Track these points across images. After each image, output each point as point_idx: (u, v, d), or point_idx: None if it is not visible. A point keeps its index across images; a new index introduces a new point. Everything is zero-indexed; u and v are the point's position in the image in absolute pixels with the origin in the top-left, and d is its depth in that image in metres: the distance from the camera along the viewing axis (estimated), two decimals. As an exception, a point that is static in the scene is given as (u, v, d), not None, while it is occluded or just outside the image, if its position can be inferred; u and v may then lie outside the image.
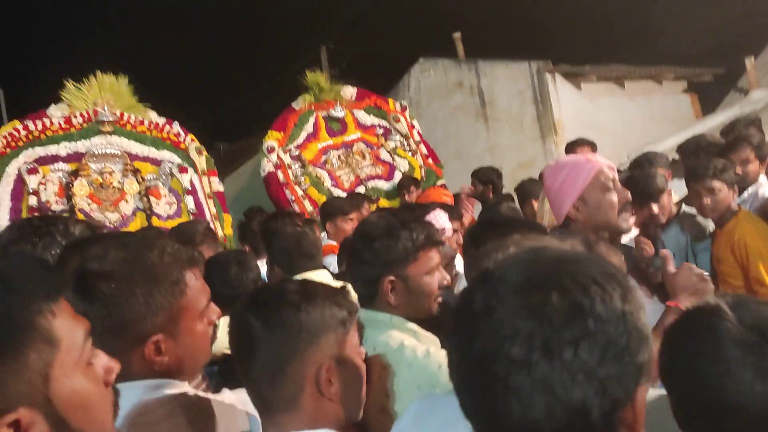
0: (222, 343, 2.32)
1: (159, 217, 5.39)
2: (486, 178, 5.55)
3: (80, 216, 4.91)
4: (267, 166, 6.43)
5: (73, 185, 5.13)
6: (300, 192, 6.41)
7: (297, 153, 6.69)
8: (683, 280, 1.85)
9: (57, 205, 5.03)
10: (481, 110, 11.26)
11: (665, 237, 3.30)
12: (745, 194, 3.63)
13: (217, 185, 5.97)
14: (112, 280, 1.18)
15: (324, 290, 1.29)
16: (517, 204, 4.79)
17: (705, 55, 12.64)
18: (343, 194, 6.36)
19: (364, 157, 7.02)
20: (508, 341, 0.73)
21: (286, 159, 6.57)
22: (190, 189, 5.69)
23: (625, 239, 3.25)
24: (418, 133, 7.53)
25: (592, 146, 5.06)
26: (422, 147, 7.40)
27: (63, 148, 5.24)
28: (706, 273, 1.88)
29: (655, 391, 1.14)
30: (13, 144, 5.06)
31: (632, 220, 2.20)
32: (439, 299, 1.81)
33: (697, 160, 3.39)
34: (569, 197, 2.10)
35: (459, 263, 2.91)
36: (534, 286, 0.76)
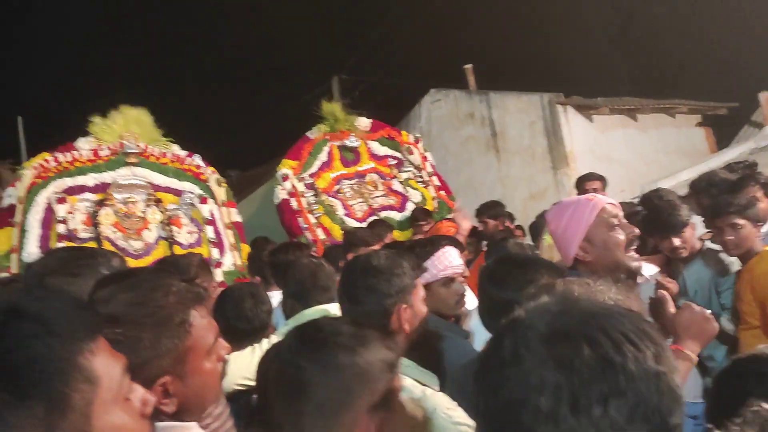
0: (233, 379, 2.29)
1: (180, 245, 5.50)
2: (494, 213, 5.48)
3: (106, 244, 5.09)
4: (281, 193, 6.47)
5: (99, 214, 5.31)
6: (313, 220, 6.43)
7: (311, 181, 6.75)
8: (685, 321, 1.76)
9: (84, 233, 5.19)
10: (492, 141, 11.30)
11: (687, 272, 3.23)
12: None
13: (236, 216, 6.08)
14: (118, 325, 1.16)
15: (374, 333, 1.29)
16: (530, 239, 4.74)
17: (719, 89, 12.66)
18: (356, 224, 6.36)
19: (376, 187, 7.05)
20: (536, 392, 0.72)
21: (300, 187, 6.62)
22: (210, 219, 5.82)
23: (647, 275, 3.20)
24: (431, 165, 7.55)
25: (603, 181, 5.04)
26: (435, 179, 7.43)
27: (90, 179, 5.44)
28: (709, 312, 1.79)
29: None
30: (43, 175, 5.27)
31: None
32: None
33: (719, 196, 3.33)
34: (575, 239, 2.06)
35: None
36: (564, 337, 0.75)
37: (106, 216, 5.33)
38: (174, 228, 5.55)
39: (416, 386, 1.68)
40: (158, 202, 5.63)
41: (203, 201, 5.85)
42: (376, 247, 4.12)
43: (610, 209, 2.06)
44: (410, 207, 6.87)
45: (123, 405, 0.92)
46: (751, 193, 3.56)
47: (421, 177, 7.31)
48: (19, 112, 14.41)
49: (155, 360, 1.18)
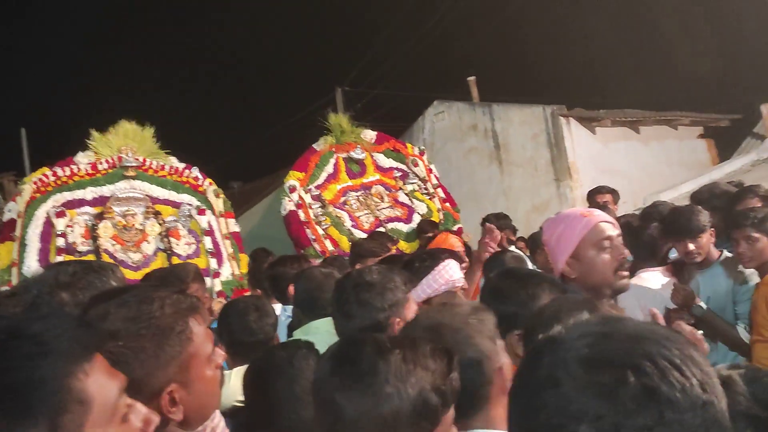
0: (233, 395, 2.27)
1: (179, 256, 5.55)
2: (500, 225, 5.46)
3: (105, 256, 5.11)
4: (288, 204, 6.48)
5: (98, 227, 5.36)
6: (321, 231, 6.43)
7: (317, 193, 6.76)
8: None
9: (83, 246, 5.23)
10: (495, 153, 11.32)
11: (702, 278, 3.21)
12: None
13: (234, 226, 6.12)
14: (118, 339, 1.16)
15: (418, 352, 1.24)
16: (527, 251, 4.73)
17: (721, 101, 12.67)
18: (364, 235, 6.33)
19: (382, 199, 7.07)
20: (575, 420, 0.69)
21: (307, 198, 6.63)
22: (208, 230, 5.87)
23: (662, 283, 3.20)
24: (436, 177, 7.57)
25: (613, 194, 5.01)
26: (440, 191, 7.44)
27: (89, 193, 5.50)
28: (700, 333, 1.76)
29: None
30: (42, 189, 5.33)
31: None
32: None
33: (744, 205, 3.33)
34: (563, 254, 2.03)
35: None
36: (607, 363, 0.71)
37: (104, 229, 5.38)
38: (173, 240, 5.61)
39: None
40: (157, 214, 5.69)
41: (201, 212, 5.91)
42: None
43: (602, 228, 2.00)
44: (416, 219, 6.87)
45: (119, 426, 0.90)
46: (750, 205, 3.57)
47: (426, 189, 7.32)
48: (23, 124, 14.51)
49: (160, 370, 1.19)
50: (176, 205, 5.85)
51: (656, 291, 3.25)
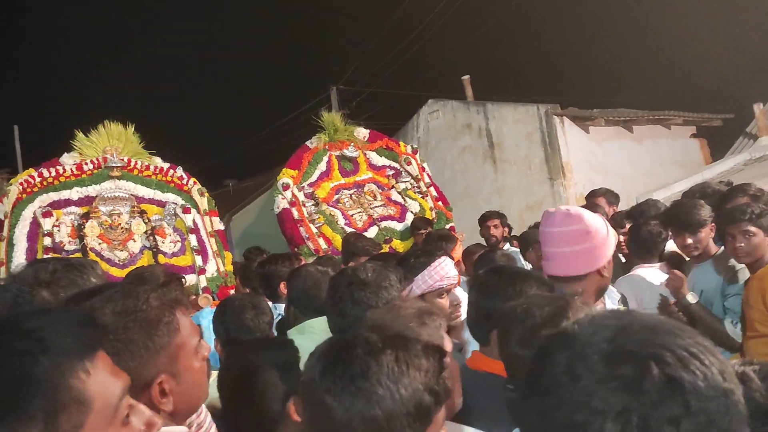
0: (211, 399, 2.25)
1: (164, 254, 5.60)
2: (502, 223, 5.62)
3: (92, 255, 5.12)
4: (281, 202, 6.46)
5: (84, 227, 5.39)
6: (314, 229, 6.40)
7: (310, 191, 6.72)
8: None
9: (70, 245, 5.26)
10: (489, 152, 11.32)
11: (697, 271, 3.24)
12: None
13: (218, 224, 6.17)
14: (109, 333, 1.15)
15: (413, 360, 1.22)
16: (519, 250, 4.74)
17: (714, 100, 12.72)
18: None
19: (375, 197, 7.04)
20: (600, 416, 0.68)
21: (300, 196, 6.60)
22: (193, 228, 5.92)
23: (660, 279, 3.22)
24: (428, 175, 7.55)
25: (614, 196, 5.12)
26: (432, 190, 7.41)
27: (75, 193, 5.54)
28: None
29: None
30: (28, 190, 5.38)
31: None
32: None
33: (734, 204, 3.34)
34: (609, 253, 2.06)
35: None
36: (628, 355, 0.70)
37: (91, 228, 5.43)
38: (158, 238, 5.67)
39: None
40: (142, 213, 5.75)
41: (186, 211, 5.98)
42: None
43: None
44: (410, 217, 6.84)
45: (119, 428, 0.88)
46: (741, 203, 3.58)
47: (418, 187, 7.30)
48: (15, 122, 14.45)
49: (150, 360, 1.19)
50: (161, 204, 5.91)
51: (652, 284, 3.27)
